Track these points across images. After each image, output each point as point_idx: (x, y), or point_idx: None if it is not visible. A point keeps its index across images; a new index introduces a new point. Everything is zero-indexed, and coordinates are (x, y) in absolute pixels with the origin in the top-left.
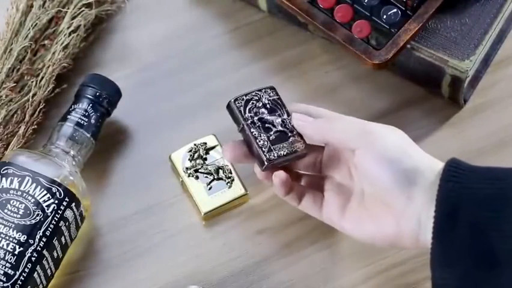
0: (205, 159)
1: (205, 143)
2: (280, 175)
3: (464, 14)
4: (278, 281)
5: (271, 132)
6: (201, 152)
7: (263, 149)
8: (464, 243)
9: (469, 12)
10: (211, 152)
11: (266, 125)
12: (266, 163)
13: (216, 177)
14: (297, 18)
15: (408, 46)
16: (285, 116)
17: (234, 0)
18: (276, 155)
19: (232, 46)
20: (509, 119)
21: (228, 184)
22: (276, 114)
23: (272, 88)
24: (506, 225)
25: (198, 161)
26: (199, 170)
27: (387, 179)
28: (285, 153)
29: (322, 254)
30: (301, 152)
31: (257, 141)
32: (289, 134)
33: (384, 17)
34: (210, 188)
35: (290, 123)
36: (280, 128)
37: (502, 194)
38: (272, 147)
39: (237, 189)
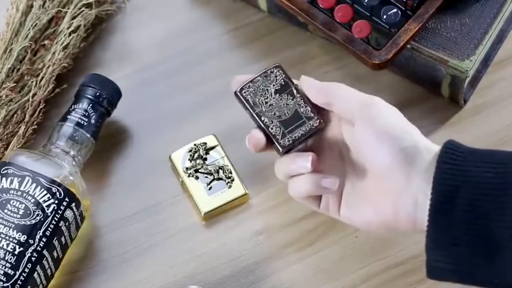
0: (205, 159)
1: (205, 143)
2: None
3: (464, 14)
4: (278, 281)
5: (283, 116)
6: (201, 152)
7: (277, 136)
8: (461, 227)
9: (469, 12)
10: (211, 152)
11: (276, 109)
12: (281, 149)
13: (216, 177)
14: (297, 18)
15: (408, 46)
16: (295, 94)
17: (234, 0)
18: (291, 139)
19: (232, 46)
20: (509, 119)
21: (228, 184)
22: (286, 94)
23: (277, 67)
24: (509, 211)
25: (198, 161)
26: (199, 170)
27: (388, 156)
28: (300, 135)
29: (322, 254)
30: (317, 127)
31: (269, 129)
32: (302, 113)
33: (384, 17)
34: (210, 188)
35: (301, 101)
36: (291, 109)
37: (503, 179)
38: (286, 132)
39: (237, 189)
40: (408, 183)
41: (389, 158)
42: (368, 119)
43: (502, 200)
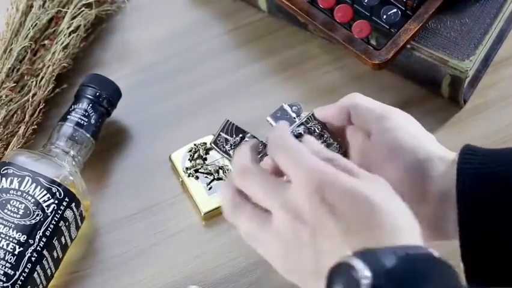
0: (205, 159)
1: (205, 143)
2: None
3: (464, 14)
4: (278, 281)
5: None
6: (201, 152)
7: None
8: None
9: (469, 12)
10: (211, 152)
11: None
12: None
13: (216, 177)
14: (297, 18)
15: (408, 46)
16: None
17: (234, 0)
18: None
19: (232, 46)
20: (509, 119)
21: None
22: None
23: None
24: None
25: (198, 161)
26: (199, 170)
27: (400, 169)
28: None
29: None
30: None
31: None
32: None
33: (384, 17)
34: (210, 188)
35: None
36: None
37: None
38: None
39: None
40: (424, 194)
41: (402, 171)
42: (383, 131)
43: None
